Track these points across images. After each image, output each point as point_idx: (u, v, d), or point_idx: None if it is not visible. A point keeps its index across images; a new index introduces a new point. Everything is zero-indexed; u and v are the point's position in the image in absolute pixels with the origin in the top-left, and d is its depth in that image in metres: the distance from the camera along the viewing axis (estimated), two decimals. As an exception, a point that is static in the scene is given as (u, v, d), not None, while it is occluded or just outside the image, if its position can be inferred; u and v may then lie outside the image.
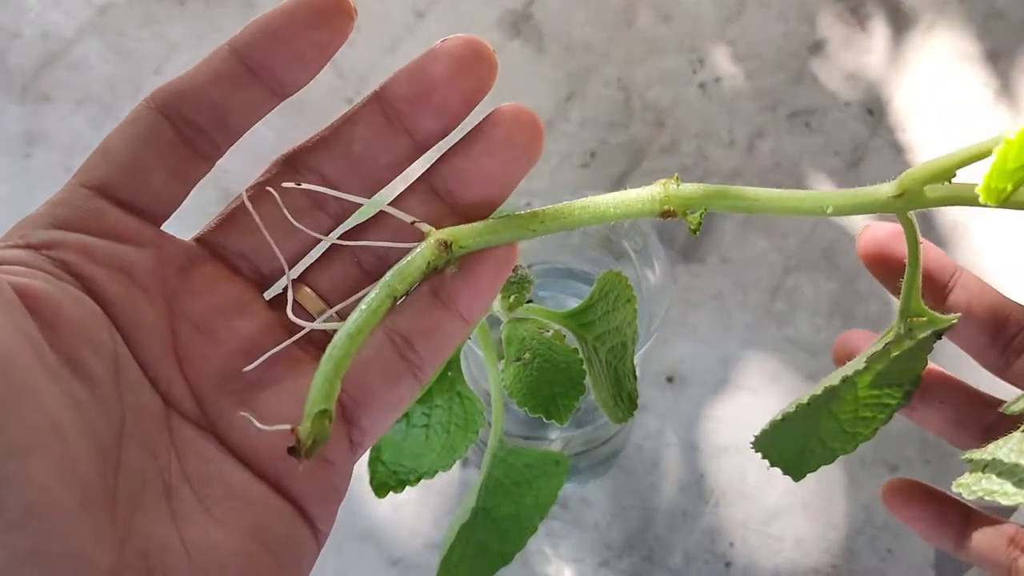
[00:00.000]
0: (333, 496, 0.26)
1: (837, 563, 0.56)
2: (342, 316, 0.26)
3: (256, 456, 0.25)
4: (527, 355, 0.37)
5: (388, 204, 0.28)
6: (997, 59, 0.69)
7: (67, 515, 0.21)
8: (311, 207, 0.27)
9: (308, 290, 0.28)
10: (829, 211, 0.27)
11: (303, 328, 0.26)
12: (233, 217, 0.27)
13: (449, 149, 0.28)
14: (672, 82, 0.70)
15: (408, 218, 0.27)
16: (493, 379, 0.39)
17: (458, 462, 0.38)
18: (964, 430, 0.34)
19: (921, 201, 0.27)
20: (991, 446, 0.30)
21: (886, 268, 0.33)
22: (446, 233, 0.26)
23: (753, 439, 0.34)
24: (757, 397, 0.60)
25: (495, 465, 0.40)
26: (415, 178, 0.28)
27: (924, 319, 0.31)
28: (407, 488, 0.38)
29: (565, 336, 0.38)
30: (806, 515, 0.57)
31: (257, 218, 0.27)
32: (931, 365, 0.33)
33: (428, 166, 0.28)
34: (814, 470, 0.35)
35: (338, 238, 0.28)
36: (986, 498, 0.29)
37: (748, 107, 0.69)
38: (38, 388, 0.21)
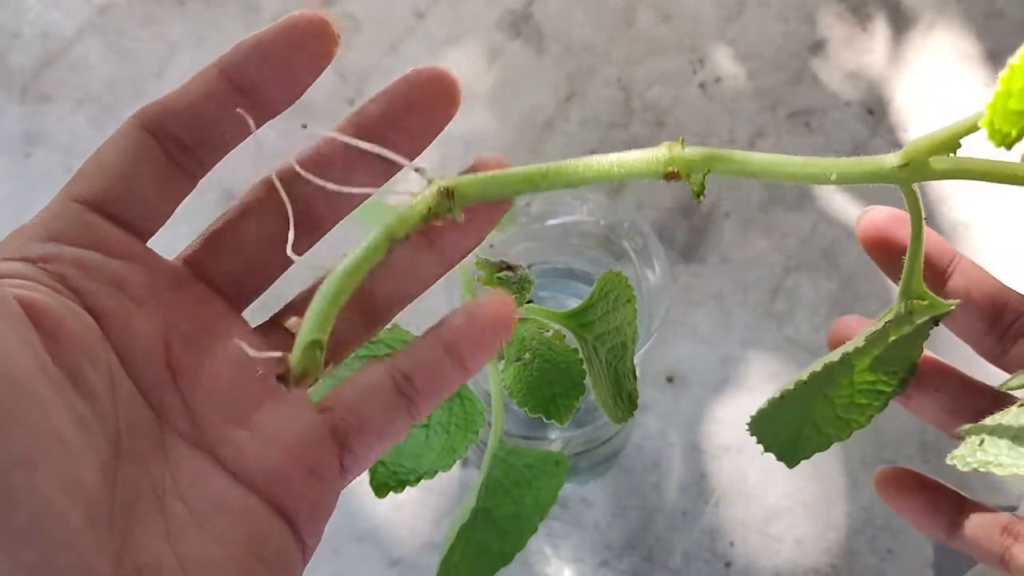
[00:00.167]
0: (323, 512, 0.27)
1: (837, 563, 0.56)
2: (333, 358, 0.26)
3: (249, 470, 0.26)
4: (527, 355, 0.37)
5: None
6: (997, 59, 0.69)
7: (72, 528, 0.21)
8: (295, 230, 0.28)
9: (296, 319, 0.28)
10: (833, 178, 0.27)
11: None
12: (216, 238, 0.28)
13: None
14: (672, 82, 0.70)
15: (411, 164, 0.27)
16: (493, 379, 0.39)
17: (458, 462, 0.38)
18: (959, 418, 0.34)
19: (926, 173, 0.27)
20: (987, 419, 0.30)
21: (886, 252, 0.33)
22: (449, 181, 0.26)
23: (749, 419, 0.34)
24: (757, 397, 0.60)
25: (495, 465, 0.40)
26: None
27: (924, 302, 0.31)
28: (407, 488, 0.38)
29: (565, 336, 0.38)
30: (806, 515, 0.57)
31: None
32: (926, 353, 0.33)
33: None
34: (808, 456, 0.35)
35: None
36: (981, 469, 0.29)
37: (748, 107, 0.69)
38: (43, 399, 0.21)
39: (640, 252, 0.46)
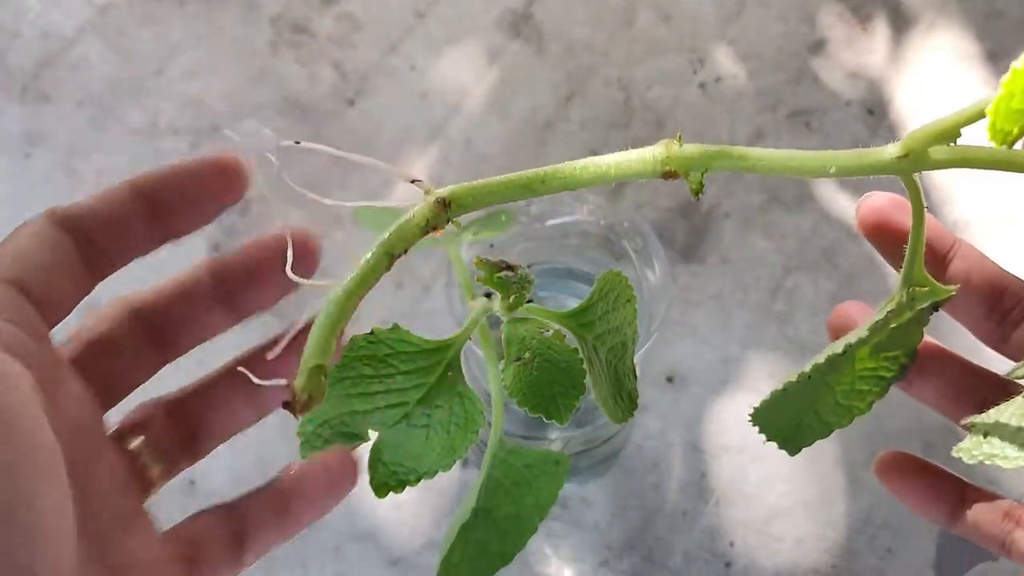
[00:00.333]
0: None
1: (837, 563, 0.56)
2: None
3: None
4: (527, 355, 0.37)
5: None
6: (997, 59, 0.69)
7: (69, 538, 0.22)
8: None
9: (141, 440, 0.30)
10: (832, 171, 0.27)
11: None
12: (88, 338, 0.29)
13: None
14: (672, 82, 0.70)
15: (407, 176, 0.27)
16: (493, 379, 0.39)
17: (458, 462, 0.38)
18: (961, 404, 0.33)
19: (926, 162, 0.26)
20: (992, 411, 0.30)
21: (886, 237, 0.33)
22: (445, 191, 0.26)
23: (752, 410, 0.34)
24: (757, 397, 0.60)
25: (495, 465, 0.40)
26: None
27: (926, 289, 0.31)
28: (407, 488, 0.38)
29: (565, 336, 0.38)
30: (806, 515, 0.57)
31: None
32: (928, 339, 0.33)
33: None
34: (809, 444, 0.34)
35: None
36: (987, 462, 0.28)
37: (748, 107, 0.69)
38: (36, 412, 0.23)
39: (640, 252, 0.46)
